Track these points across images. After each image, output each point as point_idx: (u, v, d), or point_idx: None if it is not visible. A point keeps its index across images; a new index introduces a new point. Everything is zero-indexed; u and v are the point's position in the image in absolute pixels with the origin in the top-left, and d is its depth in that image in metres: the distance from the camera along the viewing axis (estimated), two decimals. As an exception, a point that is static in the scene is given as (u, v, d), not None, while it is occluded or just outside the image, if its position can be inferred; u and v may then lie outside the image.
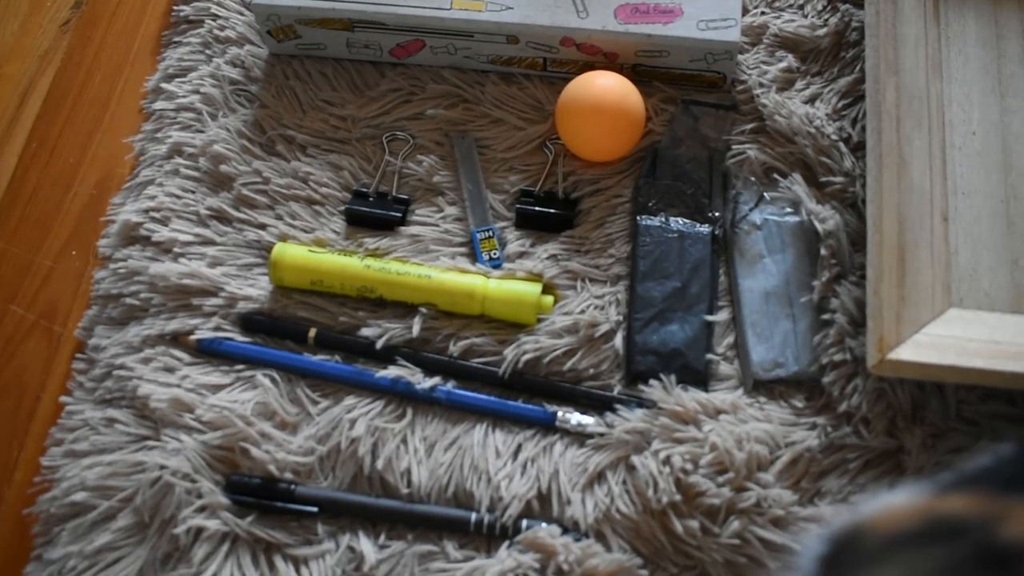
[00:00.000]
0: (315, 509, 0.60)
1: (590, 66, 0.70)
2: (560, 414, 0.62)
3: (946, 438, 0.60)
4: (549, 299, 0.65)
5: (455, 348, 0.64)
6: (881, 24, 0.65)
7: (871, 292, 0.58)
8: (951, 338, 0.58)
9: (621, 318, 0.65)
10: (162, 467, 0.61)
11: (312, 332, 0.65)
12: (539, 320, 0.65)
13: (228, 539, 0.60)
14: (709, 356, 0.63)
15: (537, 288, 0.65)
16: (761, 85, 0.70)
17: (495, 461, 0.61)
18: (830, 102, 0.69)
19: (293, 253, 0.66)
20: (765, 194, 0.67)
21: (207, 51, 0.76)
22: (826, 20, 0.72)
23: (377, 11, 0.69)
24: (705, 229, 0.66)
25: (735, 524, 0.57)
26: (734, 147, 0.69)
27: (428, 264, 0.66)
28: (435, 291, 0.65)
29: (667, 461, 0.59)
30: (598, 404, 0.63)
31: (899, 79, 0.64)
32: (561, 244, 0.67)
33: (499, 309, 0.64)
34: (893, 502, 0.38)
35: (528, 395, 0.64)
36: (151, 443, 0.63)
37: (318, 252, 0.66)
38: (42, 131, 0.76)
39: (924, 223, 0.61)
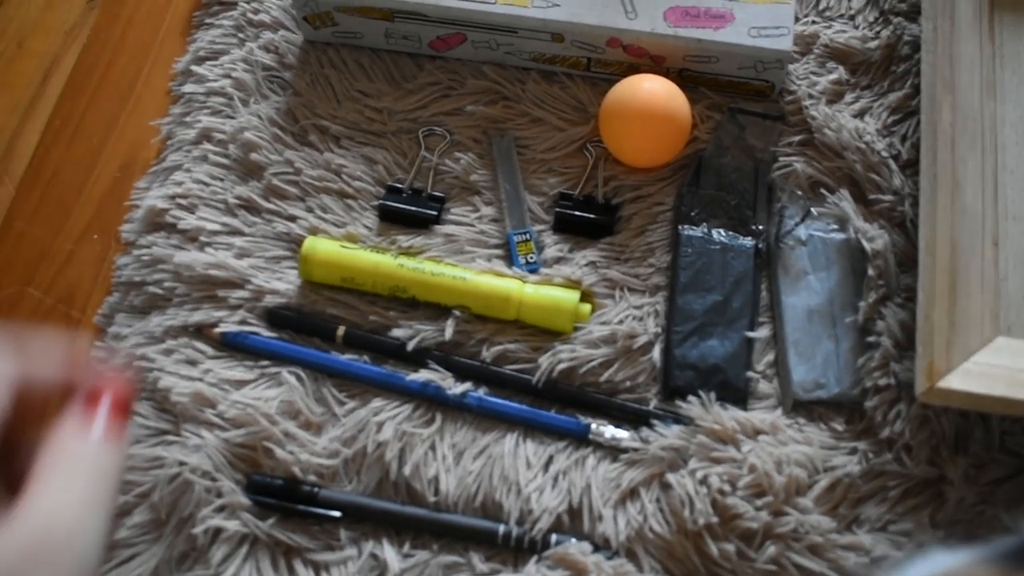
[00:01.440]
0: (338, 514, 0.58)
1: (635, 68, 0.69)
2: (594, 426, 0.60)
3: (988, 469, 0.58)
4: (587, 307, 0.63)
5: (488, 353, 0.62)
6: (939, 41, 0.63)
7: (922, 317, 0.57)
8: (1000, 368, 0.56)
9: (660, 330, 0.63)
10: (181, 463, 0.59)
11: (341, 330, 0.63)
12: (575, 329, 0.63)
13: (247, 541, 0.58)
14: (749, 374, 0.61)
15: (575, 296, 0.63)
16: (810, 96, 0.68)
17: (525, 472, 0.59)
18: (880, 117, 0.67)
19: (325, 248, 0.64)
20: (812, 209, 0.65)
21: (240, 35, 0.74)
22: (878, 32, 0.70)
23: (419, 2, 0.67)
24: (748, 242, 0.64)
25: (771, 549, 0.56)
26: (780, 159, 0.67)
27: (463, 265, 0.64)
28: (470, 294, 0.63)
29: (704, 481, 0.57)
30: (633, 418, 0.61)
31: (955, 98, 0.62)
32: (600, 251, 0.65)
33: (535, 315, 0.63)
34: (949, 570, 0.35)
35: (561, 405, 0.62)
36: (171, 438, 0.61)
37: (350, 248, 0.64)
38: (66, 110, 0.73)
39: (975, 248, 0.60)
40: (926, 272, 0.58)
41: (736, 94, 0.70)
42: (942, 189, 0.59)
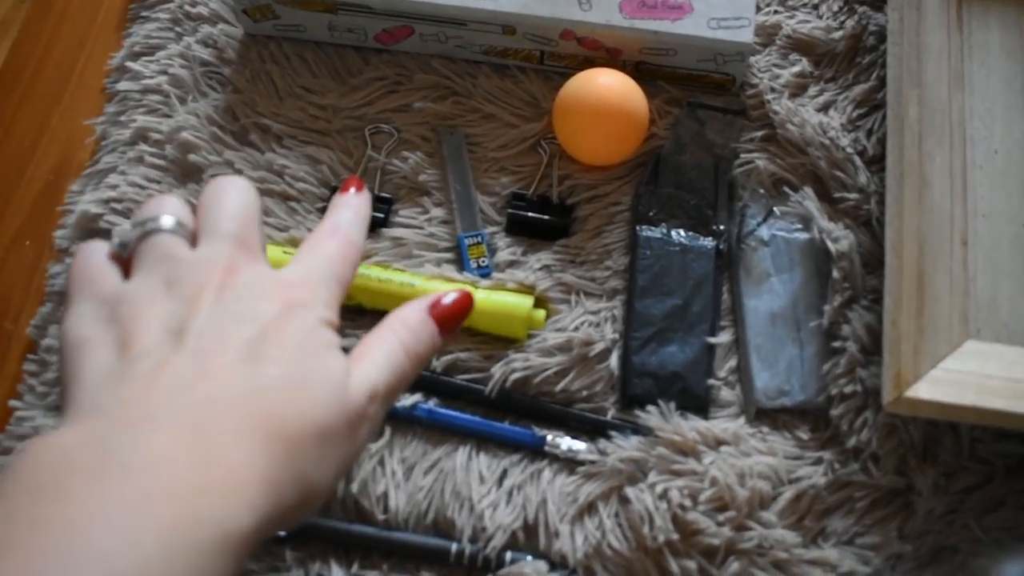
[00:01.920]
0: (283, 534, 0.56)
1: (590, 62, 0.66)
2: (549, 438, 0.58)
3: (958, 478, 0.56)
4: (541, 313, 0.61)
5: (438, 363, 0.60)
6: (905, 32, 0.61)
7: (888, 323, 0.54)
8: (970, 374, 0.54)
9: (617, 336, 0.60)
10: (118, 484, 0.56)
11: (284, 341, 0.60)
12: (530, 336, 0.60)
13: (188, 565, 0.55)
14: (710, 381, 0.59)
15: (529, 301, 0.60)
16: (773, 90, 0.66)
17: (478, 487, 0.57)
18: (845, 111, 0.65)
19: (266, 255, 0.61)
20: (775, 208, 0.62)
21: (177, 28, 0.70)
22: (842, 22, 0.68)
23: (364, -7, 0.64)
24: (709, 243, 0.62)
25: (735, 566, 0.54)
26: (741, 155, 0.65)
27: (411, 271, 0.62)
28: (419, 301, 0.60)
29: (664, 495, 0.55)
30: (590, 429, 0.59)
31: (922, 92, 0.60)
32: (555, 254, 0.63)
33: (487, 322, 0.60)
34: None
35: (515, 416, 0.59)
36: (106, 456, 0.58)
37: (293, 253, 0.61)
38: (-5, 108, 0.70)
39: (944, 247, 0.57)
40: (892, 275, 0.55)
41: (695, 88, 0.67)
42: (909, 187, 0.57)
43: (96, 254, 0.43)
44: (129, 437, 0.34)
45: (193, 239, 0.43)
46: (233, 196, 0.44)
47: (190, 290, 0.39)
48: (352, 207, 0.48)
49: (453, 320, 0.47)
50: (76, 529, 0.31)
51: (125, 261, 0.43)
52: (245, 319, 0.39)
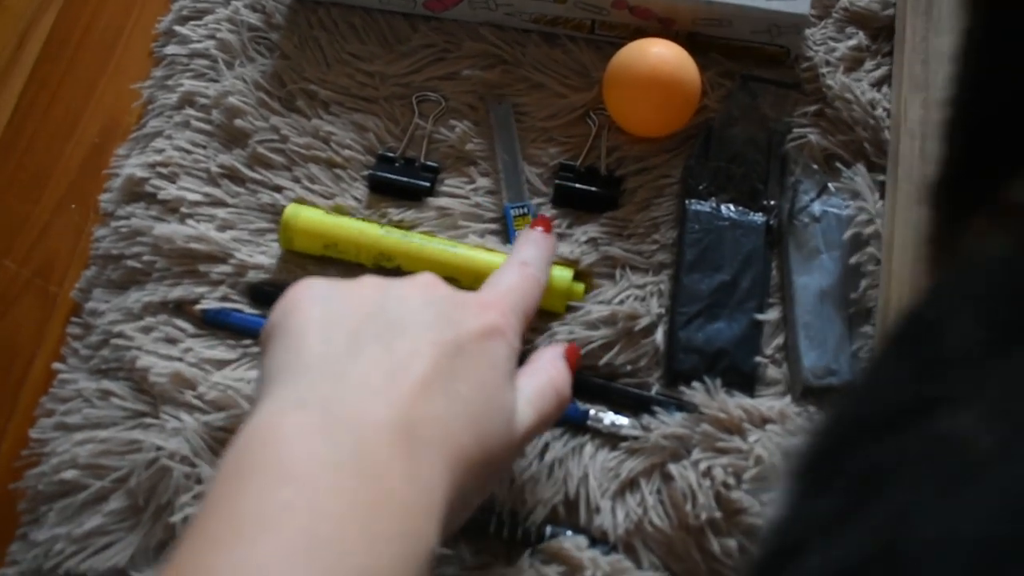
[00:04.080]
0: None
1: (642, 32, 0.65)
2: (592, 413, 0.57)
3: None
4: (580, 286, 0.60)
5: (481, 335, 0.59)
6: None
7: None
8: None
9: (664, 311, 0.60)
10: (159, 448, 0.56)
11: (327, 308, 0.60)
12: (569, 309, 0.59)
13: (227, 530, 0.55)
14: (757, 358, 0.58)
15: (568, 274, 0.59)
16: (828, 64, 0.64)
17: (519, 461, 0.56)
18: (901, 85, 0.63)
19: (307, 215, 0.61)
20: (829, 184, 0.61)
21: (225, -8, 0.70)
22: (901, -6, 0.66)
23: (413, -41, 0.63)
24: (759, 218, 0.61)
25: (778, 546, 0.53)
26: (794, 130, 0.63)
27: (455, 241, 0.61)
28: (460, 267, 0.59)
29: (708, 473, 0.54)
30: (634, 404, 0.58)
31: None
32: (602, 226, 0.62)
33: (529, 294, 0.59)
34: None
35: (558, 390, 0.59)
36: (148, 420, 0.58)
37: (336, 217, 0.61)
38: (43, 73, 0.70)
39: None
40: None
41: (749, 60, 0.66)
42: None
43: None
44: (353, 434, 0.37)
45: None
46: None
47: (399, 289, 0.44)
48: (539, 245, 0.52)
49: (575, 367, 0.52)
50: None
51: None
52: (446, 321, 0.43)
